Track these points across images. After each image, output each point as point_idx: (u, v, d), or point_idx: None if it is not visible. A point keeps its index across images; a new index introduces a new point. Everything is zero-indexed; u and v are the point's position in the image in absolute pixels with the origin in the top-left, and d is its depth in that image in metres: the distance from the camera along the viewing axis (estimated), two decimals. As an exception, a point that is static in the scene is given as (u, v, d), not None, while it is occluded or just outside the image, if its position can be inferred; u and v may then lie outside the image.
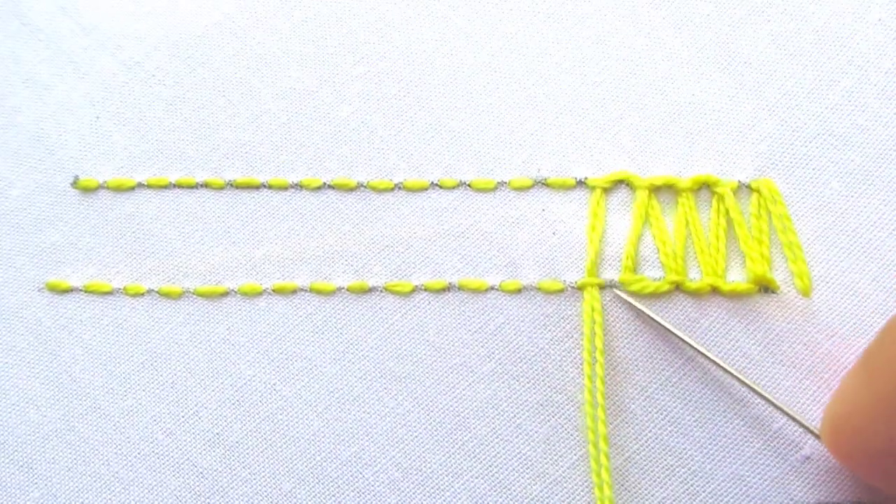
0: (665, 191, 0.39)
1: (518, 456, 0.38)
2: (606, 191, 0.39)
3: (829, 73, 0.40)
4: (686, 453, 0.37)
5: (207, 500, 0.39)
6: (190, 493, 0.39)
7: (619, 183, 0.40)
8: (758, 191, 0.39)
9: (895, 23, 0.40)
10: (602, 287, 0.38)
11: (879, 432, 0.28)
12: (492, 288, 0.39)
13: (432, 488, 0.38)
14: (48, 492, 0.39)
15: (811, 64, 0.40)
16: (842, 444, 0.31)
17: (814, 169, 0.39)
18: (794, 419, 0.35)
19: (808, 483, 0.37)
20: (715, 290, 0.38)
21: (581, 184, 0.40)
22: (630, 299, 0.38)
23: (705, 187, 0.39)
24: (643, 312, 0.38)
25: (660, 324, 0.37)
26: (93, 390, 0.40)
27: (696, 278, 0.38)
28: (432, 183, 0.40)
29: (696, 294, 0.38)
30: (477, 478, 0.38)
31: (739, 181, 0.39)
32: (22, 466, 0.39)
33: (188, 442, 0.39)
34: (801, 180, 0.39)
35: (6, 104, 0.43)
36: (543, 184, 0.40)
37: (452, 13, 0.42)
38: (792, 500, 0.36)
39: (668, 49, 0.41)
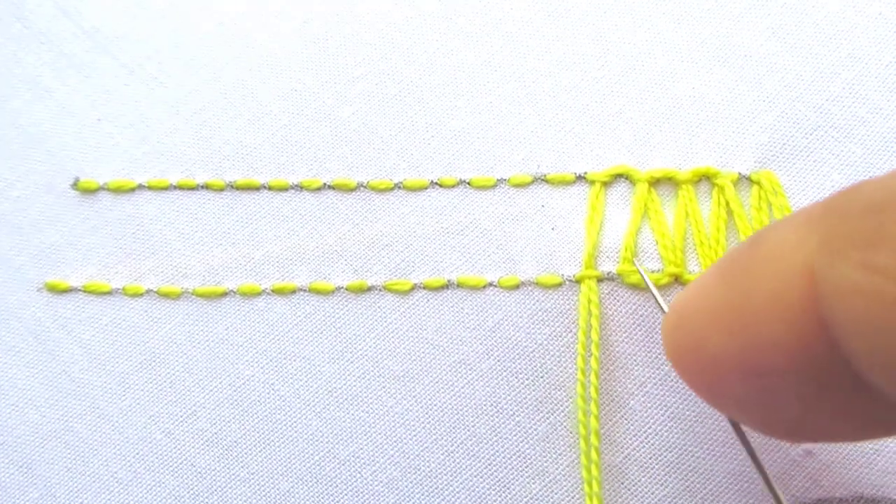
0: (665, 183, 0.38)
1: (517, 454, 0.37)
2: (606, 185, 0.39)
3: (829, 65, 0.39)
4: (686, 449, 0.36)
5: (206, 500, 0.38)
6: (188, 492, 0.38)
7: (619, 177, 0.39)
8: (758, 183, 0.38)
9: (895, 15, 0.39)
10: (600, 279, 0.37)
11: (714, 338, 0.26)
12: (490, 284, 0.38)
13: (431, 487, 0.37)
14: (47, 492, 0.38)
15: (811, 56, 0.39)
16: (678, 339, 0.29)
17: (814, 161, 0.38)
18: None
19: (809, 478, 0.36)
20: (715, 284, 0.37)
21: (581, 179, 0.39)
22: (644, 275, 0.37)
23: (705, 179, 0.38)
24: (652, 294, 0.36)
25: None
26: (91, 390, 0.39)
27: (695, 270, 0.37)
28: (432, 182, 0.40)
29: (697, 285, 0.37)
30: (476, 476, 0.37)
31: (740, 173, 0.38)
32: (21, 466, 0.39)
33: (187, 441, 0.38)
34: (802, 172, 0.38)
35: (7, 106, 0.43)
36: (543, 180, 0.39)
37: (453, 13, 0.41)
38: (792, 496, 0.35)
39: (668, 43, 0.40)
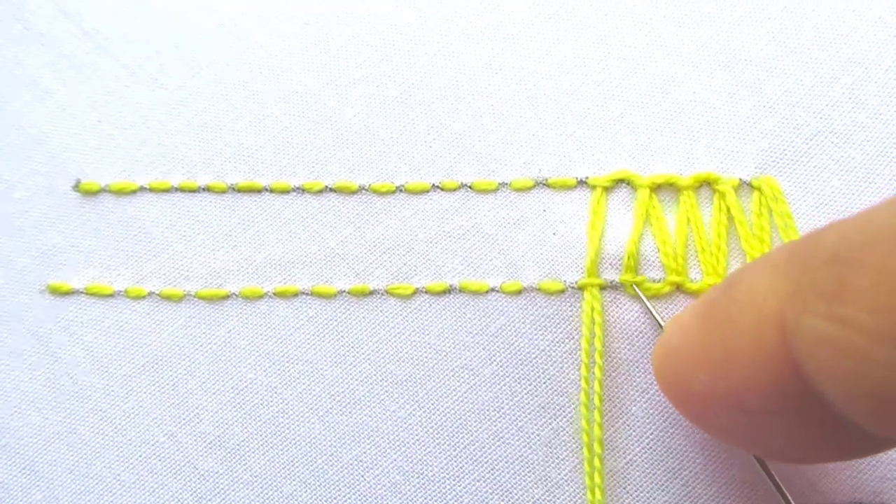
0: (666, 189, 0.38)
1: (520, 459, 0.37)
2: (607, 190, 0.38)
3: (829, 70, 0.39)
4: (688, 455, 0.36)
5: (208, 503, 0.38)
6: (191, 495, 0.38)
7: (620, 182, 0.39)
8: (759, 189, 0.38)
9: (895, 20, 0.39)
10: (603, 287, 0.37)
11: (700, 378, 0.28)
12: (492, 289, 0.38)
13: (434, 491, 0.37)
14: (50, 494, 0.38)
15: (811, 61, 0.39)
16: (667, 373, 0.30)
17: (814, 166, 0.38)
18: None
19: (808, 484, 0.36)
20: (716, 290, 0.37)
21: (582, 183, 0.39)
22: (644, 300, 0.37)
23: (706, 185, 0.38)
24: (652, 314, 0.37)
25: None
26: (94, 392, 0.39)
27: (696, 278, 0.37)
28: (433, 185, 0.39)
29: (696, 294, 0.37)
30: (479, 481, 0.37)
31: (741, 179, 0.38)
32: (24, 469, 0.39)
33: (189, 444, 0.38)
34: (802, 178, 0.38)
35: (8, 108, 0.42)
36: (544, 184, 0.39)
37: (454, 15, 0.41)
38: (792, 502, 0.35)
39: (669, 47, 0.40)
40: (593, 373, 0.36)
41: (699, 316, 0.29)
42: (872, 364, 0.20)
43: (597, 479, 0.36)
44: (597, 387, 0.36)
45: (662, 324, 0.36)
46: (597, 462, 0.36)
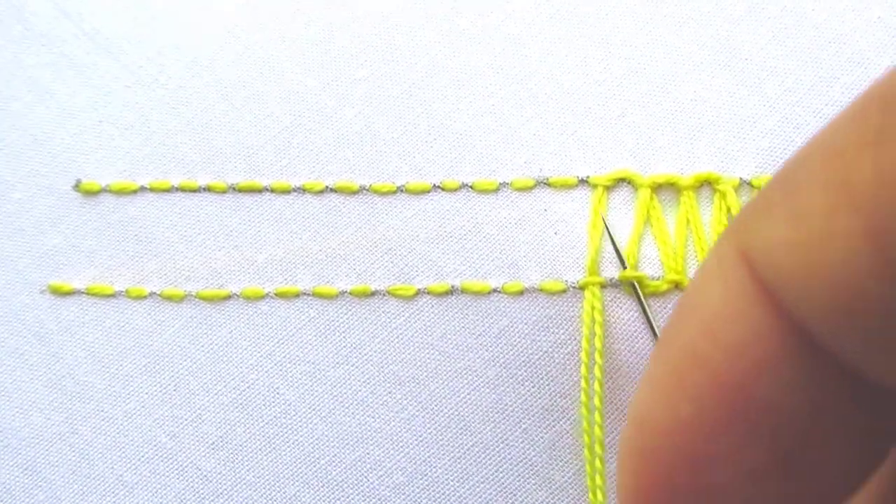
0: (667, 188, 0.38)
1: (523, 461, 0.37)
2: (608, 189, 0.38)
3: (829, 69, 0.38)
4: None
5: (211, 503, 0.38)
6: (193, 495, 0.38)
7: (621, 181, 0.38)
8: (759, 188, 0.38)
9: (895, 20, 0.39)
10: (604, 286, 0.37)
11: (682, 408, 0.22)
12: (494, 290, 0.38)
13: (437, 493, 0.37)
14: (52, 494, 0.38)
15: (811, 60, 0.39)
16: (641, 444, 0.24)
17: (815, 167, 0.38)
18: None
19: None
20: (715, 290, 0.37)
21: (583, 182, 0.39)
22: (642, 298, 0.37)
23: (707, 185, 0.38)
24: (645, 315, 0.37)
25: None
26: (96, 393, 0.39)
27: (695, 279, 0.37)
28: (434, 185, 0.39)
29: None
30: (482, 483, 0.37)
31: (741, 178, 0.38)
32: (25, 469, 0.39)
33: (191, 445, 0.38)
34: (803, 178, 0.38)
35: (8, 108, 0.42)
36: (545, 183, 0.39)
37: (455, 15, 0.41)
38: None
39: (670, 47, 0.40)
40: (594, 373, 0.36)
41: (657, 352, 0.24)
42: (835, 247, 0.18)
43: (598, 481, 0.36)
44: (597, 387, 0.36)
45: (655, 326, 0.36)
46: (598, 463, 0.36)
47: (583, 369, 0.36)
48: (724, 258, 0.21)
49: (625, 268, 0.37)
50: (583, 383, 0.36)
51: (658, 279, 0.37)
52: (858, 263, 0.18)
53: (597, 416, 0.36)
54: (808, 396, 0.21)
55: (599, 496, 0.36)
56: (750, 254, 0.20)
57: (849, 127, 0.19)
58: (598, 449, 0.36)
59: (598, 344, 0.36)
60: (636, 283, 0.37)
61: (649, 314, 0.37)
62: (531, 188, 0.39)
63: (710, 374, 0.21)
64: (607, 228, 0.37)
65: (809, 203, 0.19)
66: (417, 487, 0.37)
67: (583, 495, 0.36)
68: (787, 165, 0.21)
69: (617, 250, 0.37)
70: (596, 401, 0.36)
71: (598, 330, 0.36)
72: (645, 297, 0.37)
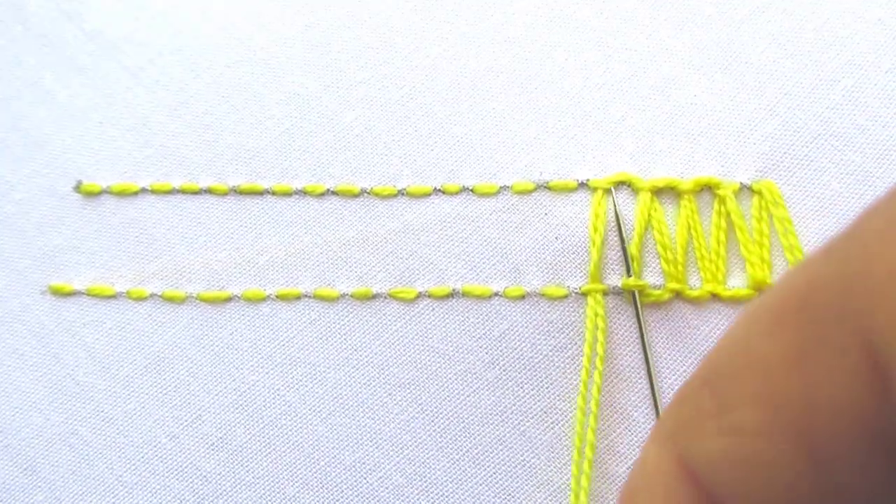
0: (667, 193, 0.38)
1: (522, 464, 0.37)
2: (608, 192, 0.38)
3: (829, 72, 0.38)
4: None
5: (211, 505, 0.38)
6: (193, 497, 0.38)
7: (622, 184, 0.38)
8: (759, 192, 0.37)
9: (895, 22, 0.38)
10: (606, 293, 0.37)
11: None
12: (496, 294, 0.38)
13: (436, 495, 0.37)
14: (52, 495, 0.38)
15: (811, 64, 0.39)
16: None
17: (815, 170, 0.37)
18: None
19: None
20: (715, 297, 0.37)
21: (583, 186, 0.38)
22: (639, 310, 0.37)
23: (707, 189, 0.38)
24: (640, 327, 0.36)
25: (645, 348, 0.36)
26: (96, 394, 0.39)
27: (696, 285, 0.37)
28: (435, 188, 0.39)
29: (696, 301, 0.37)
30: (481, 485, 0.37)
31: (741, 183, 0.38)
32: (25, 470, 0.38)
33: (192, 446, 0.38)
34: (802, 181, 0.38)
35: (10, 109, 0.42)
36: (546, 187, 0.39)
37: (456, 18, 0.41)
38: None
39: (670, 50, 0.39)
40: (594, 379, 0.36)
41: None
42: (775, 465, 0.20)
43: (584, 483, 0.35)
44: (595, 392, 0.36)
45: (647, 339, 0.36)
46: (586, 466, 0.35)
47: (583, 374, 0.36)
48: (663, 467, 0.23)
49: (630, 275, 0.37)
50: (581, 388, 0.36)
51: (659, 287, 0.37)
52: (794, 478, 0.19)
53: (591, 420, 0.36)
54: None
55: (582, 497, 0.35)
56: (691, 464, 0.22)
57: (770, 342, 0.20)
58: (588, 452, 0.36)
59: (599, 350, 0.36)
60: (636, 294, 0.37)
61: (643, 327, 0.36)
62: (531, 191, 0.39)
63: None
64: (620, 230, 0.37)
65: (742, 419, 0.20)
66: (416, 489, 0.37)
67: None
68: (714, 366, 0.22)
69: (626, 254, 0.37)
70: (592, 405, 0.36)
71: (600, 336, 0.36)
72: (644, 307, 0.37)
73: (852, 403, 0.18)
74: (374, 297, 0.38)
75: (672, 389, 0.36)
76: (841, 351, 0.18)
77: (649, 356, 0.36)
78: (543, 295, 0.37)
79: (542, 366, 0.37)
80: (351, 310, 0.38)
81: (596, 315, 0.37)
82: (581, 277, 0.38)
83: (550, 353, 0.37)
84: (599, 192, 0.38)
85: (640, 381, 0.37)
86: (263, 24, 0.42)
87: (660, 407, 0.36)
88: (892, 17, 0.39)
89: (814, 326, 0.19)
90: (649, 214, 0.38)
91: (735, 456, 0.20)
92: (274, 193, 0.40)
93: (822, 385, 0.19)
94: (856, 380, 0.18)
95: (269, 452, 0.38)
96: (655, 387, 0.36)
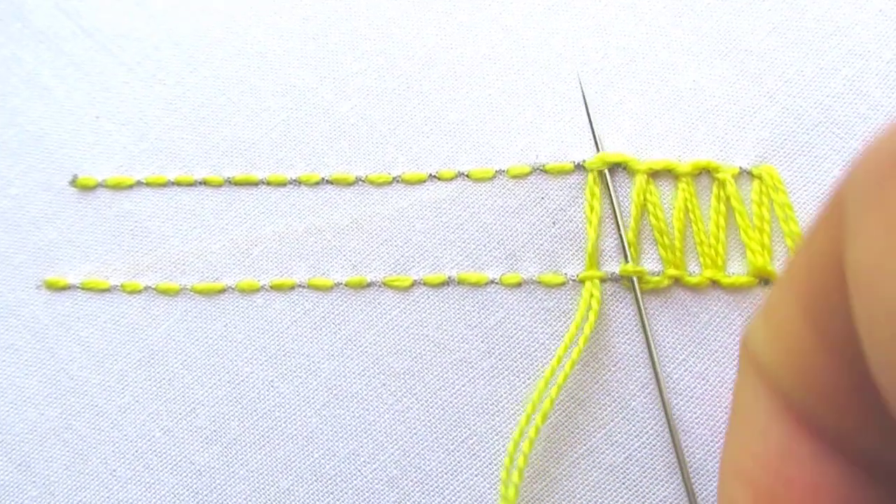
0: (664, 177, 0.37)
1: (519, 454, 0.36)
2: (602, 173, 0.37)
3: (830, 61, 0.38)
4: (688, 451, 0.35)
5: (205, 498, 0.37)
6: (187, 490, 0.37)
7: (618, 166, 0.37)
8: (759, 177, 0.37)
9: (895, 12, 0.38)
10: (604, 279, 0.36)
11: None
12: (492, 282, 0.37)
13: (431, 486, 0.36)
14: (46, 490, 0.38)
15: (812, 52, 0.38)
16: None
17: (815, 157, 0.37)
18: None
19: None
20: (715, 283, 0.36)
21: (579, 168, 0.38)
22: (639, 296, 0.36)
23: (705, 173, 0.37)
24: (640, 313, 0.36)
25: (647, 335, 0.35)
26: (90, 388, 0.38)
27: (695, 271, 0.36)
28: (430, 175, 0.38)
29: (695, 287, 0.36)
30: (476, 475, 0.36)
31: (741, 167, 0.37)
32: (19, 465, 0.38)
33: (186, 439, 0.37)
34: (803, 168, 0.37)
35: (6, 104, 0.42)
36: (542, 170, 0.38)
37: (453, 7, 0.40)
38: None
39: (669, 36, 0.39)
40: (570, 353, 0.35)
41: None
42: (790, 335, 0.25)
43: (525, 448, 0.34)
44: (567, 366, 0.35)
45: (647, 325, 0.35)
46: (532, 433, 0.34)
47: (560, 349, 0.35)
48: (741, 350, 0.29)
49: (627, 261, 0.36)
50: (553, 361, 0.35)
51: (658, 274, 0.36)
52: (803, 342, 0.25)
53: (553, 391, 0.35)
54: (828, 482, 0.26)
55: (520, 462, 0.34)
56: (746, 344, 0.28)
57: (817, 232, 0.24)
58: (538, 421, 0.34)
59: (586, 330, 0.35)
60: (635, 280, 0.36)
61: (643, 314, 0.36)
62: (527, 175, 0.38)
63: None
64: (615, 213, 0.36)
65: (777, 314, 0.26)
66: (411, 480, 0.36)
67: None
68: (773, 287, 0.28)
69: (622, 239, 0.36)
70: (560, 377, 0.35)
71: (591, 317, 0.35)
72: (643, 294, 0.36)
73: (829, 241, 0.23)
74: (369, 285, 0.38)
75: (671, 378, 0.35)
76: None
77: (651, 343, 0.35)
78: (540, 282, 0.37)
79: (539, 355, 0.36)
80: (345, 299, 0.38)
81: (591, 297, 0.36)
82: (578, 264, 0.37)
83: (547, 342, 0.36)
84: (594, 172, 0.37)
85: (638, 369, 0.36)
86: (259, 18, 0.41)
87: (664, 395, 0.35)
88: (892, 7, 0.38)
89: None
90: (645, 198, 0.37)
91: (768, 336, 0.26)
92: (269, 184, 0.39)
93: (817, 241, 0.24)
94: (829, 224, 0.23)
95: (264, 445, 0.37)
96: (659, 374, 0.35)
